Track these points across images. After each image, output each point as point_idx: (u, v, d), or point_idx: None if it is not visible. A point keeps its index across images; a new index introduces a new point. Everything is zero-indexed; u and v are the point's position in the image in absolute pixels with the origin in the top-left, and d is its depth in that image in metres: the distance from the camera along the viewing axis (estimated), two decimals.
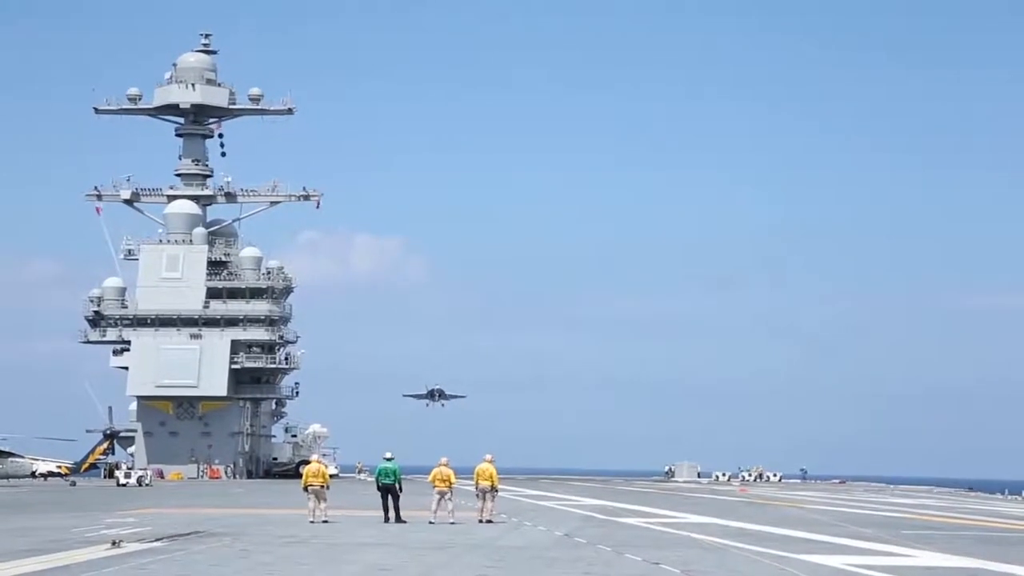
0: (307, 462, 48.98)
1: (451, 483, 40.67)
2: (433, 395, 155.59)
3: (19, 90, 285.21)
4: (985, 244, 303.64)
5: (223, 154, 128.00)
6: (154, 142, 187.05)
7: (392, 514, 40.83)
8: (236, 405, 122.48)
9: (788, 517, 50.43)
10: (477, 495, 41.88)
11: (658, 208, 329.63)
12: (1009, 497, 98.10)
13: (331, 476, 45.80)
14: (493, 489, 41.58)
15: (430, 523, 39.62)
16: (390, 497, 40.99)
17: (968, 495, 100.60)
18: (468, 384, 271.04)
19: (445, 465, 40.73)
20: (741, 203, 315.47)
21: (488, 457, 41.69)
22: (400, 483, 41.25)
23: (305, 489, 41.81)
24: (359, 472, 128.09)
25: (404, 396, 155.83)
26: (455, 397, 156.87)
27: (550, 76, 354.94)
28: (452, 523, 39.59)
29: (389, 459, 41.31)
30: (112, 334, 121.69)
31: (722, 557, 30.11)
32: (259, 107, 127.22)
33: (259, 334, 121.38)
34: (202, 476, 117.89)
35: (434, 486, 40.68)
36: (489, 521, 40.75)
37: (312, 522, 40.21)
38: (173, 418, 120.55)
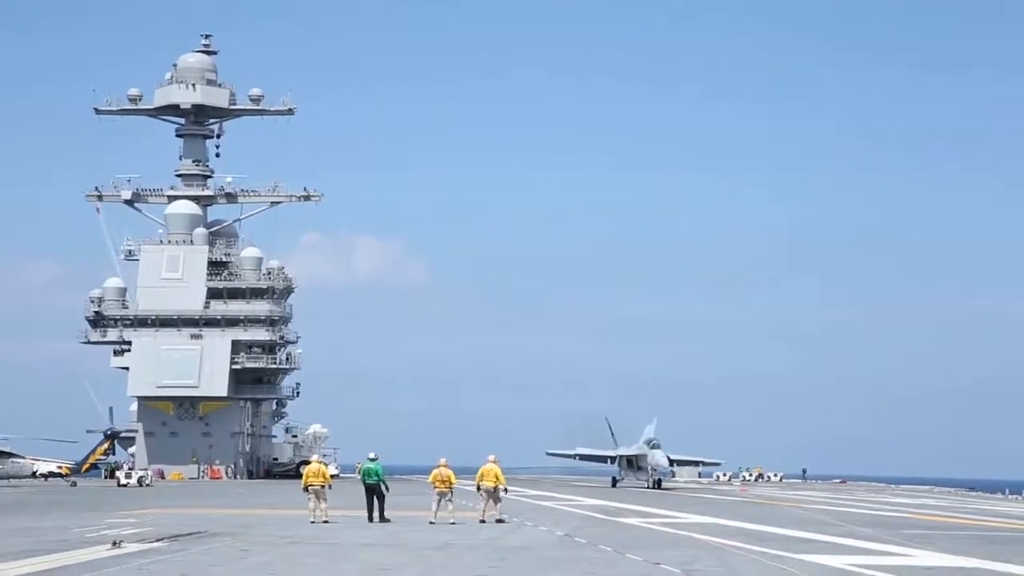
0: (308, 462, 49.10)
1: (451, 484, 40.85)
2: (636, 465, 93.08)
3: (19, 90, 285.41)
4: (986, 245, 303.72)
5: (217, 155, 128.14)
6: (155, 142, 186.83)
7: (376, 514, 41.06)
8: (237, 405, 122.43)
9: (788, 517, 50.44)
10: (481, 495, 41.87)
11: (659, 208, 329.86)
12: (1010, 497, 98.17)
13: (331, 476, 45.90)
14: (499, 489, 41.65)
15: (431, 523, 39.70)
16: (375, 497, 41.33)
17: (969, 495, 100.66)
18: (465, 384, 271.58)
19: (444, 466, 40.91)
20: (741, 203, 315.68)
21: (491, 458, 41.75)
22: (385, 483, 41.58)
23: (305, 489, 41.90)
24: (359, 473, 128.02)
25: (550, 454, 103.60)
26: (698, 465, 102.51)
27: (551, 76, 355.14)
28: (452, 523, 39.65)
29: (373, 459, 41.75)
30: (113, 334, 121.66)
31: (722, 557, 30.13)
32: (259, 107, 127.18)
33: (260, 334, 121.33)
34: (203, 476, 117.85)
35: (434, 487, 40.83)
36: (500, 520, 40.79)
37: (313, 522, 40.25)
38: (174, 418, 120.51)
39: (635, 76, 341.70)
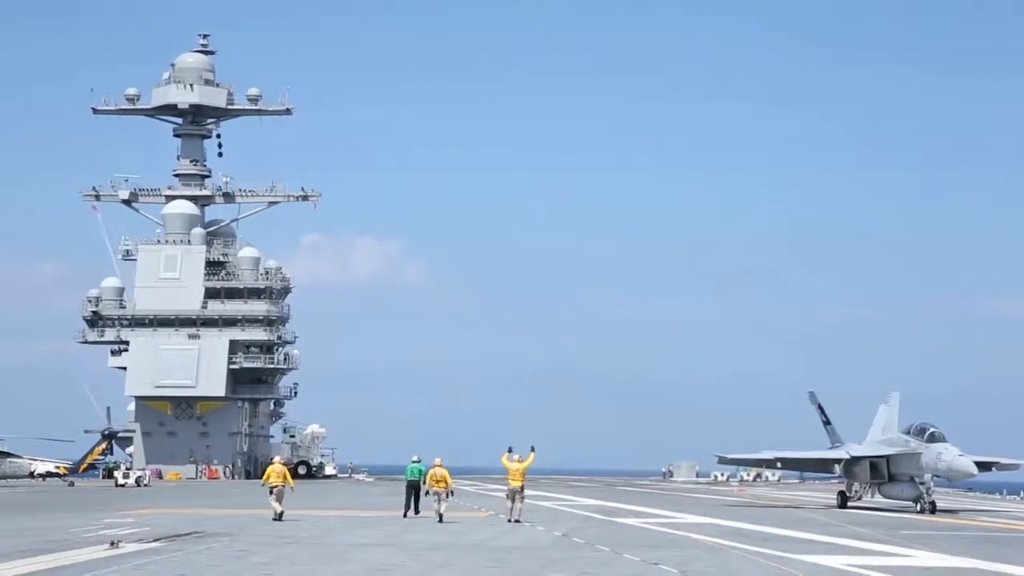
0: (305, 462, 49.36)
1: (447, 483, 41.15)
2: (889, 472, 58.92)
3: (18, 90, 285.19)
4: (987, 246, 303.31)
5: (220, 154, 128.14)
6: (152, 142, 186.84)
7: (412, 508, 43.64)
8: (234, 405, 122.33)
9: (787, 517, 50.44)
10: (507, 495, 41.95)
11: (658, 208, 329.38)
12: (1007, 497, 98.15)
13: (329, 476, 46.72)
14: (524, 489, 42.04)
15: (438, 521, 40.06)
16: (414, 493, 43.88)
17: (966, 495, 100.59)
18: (464, 384, 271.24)
19: (440, 466, 41.23)
20: (741, 204, 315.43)
21: (516, 457, 41.78)
22: (424, 480, 43.52)
23: (270, 491, 42.37)
24: (351, 471, 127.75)
25: (724, 460, 68.64)
26: (991, 468, 61.99)
27: (551, 76, 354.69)
28: (447, 521, 39.92)
29: (416, 461, 44.06)
30: (110, 334, 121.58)
31: (720, 557, 30.14)
32: (257, 107, 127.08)
33: (257, 334, 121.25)
34: (200, 476, 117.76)
35: (430, 487, 41.11)
36: (517, 521, 40.82)
37: (277, 520, 40.85)
38: (171, 418, 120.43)
39: (635, 76, 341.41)
